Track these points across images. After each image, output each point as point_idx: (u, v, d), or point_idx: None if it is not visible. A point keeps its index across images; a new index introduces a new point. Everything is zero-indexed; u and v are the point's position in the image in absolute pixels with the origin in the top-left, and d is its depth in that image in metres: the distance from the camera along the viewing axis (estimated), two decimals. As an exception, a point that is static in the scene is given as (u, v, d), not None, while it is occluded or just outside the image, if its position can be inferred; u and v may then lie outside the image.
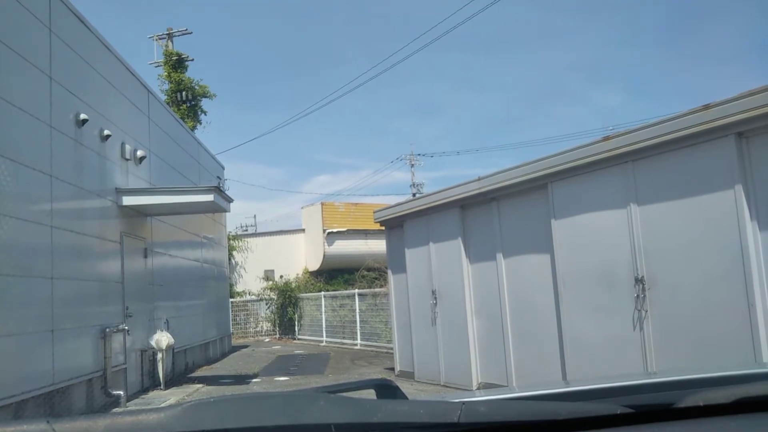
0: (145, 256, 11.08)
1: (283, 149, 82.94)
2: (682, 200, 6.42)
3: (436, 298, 10.24)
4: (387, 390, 1.33)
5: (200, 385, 11.16)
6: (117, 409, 8.94)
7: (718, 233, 6.06)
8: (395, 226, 11.56)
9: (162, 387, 10.71)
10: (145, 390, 10.64)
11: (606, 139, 7.19)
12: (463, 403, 1.08)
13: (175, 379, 11.67)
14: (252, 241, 29.09)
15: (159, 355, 10.78)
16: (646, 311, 6.76)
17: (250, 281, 26.67)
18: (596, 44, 74.00)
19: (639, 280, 6.82)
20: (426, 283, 10.48)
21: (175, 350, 12.00)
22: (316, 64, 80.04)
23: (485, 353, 9.35)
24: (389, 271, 11.98)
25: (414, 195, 45.27)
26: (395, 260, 11.62)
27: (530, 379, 8.47)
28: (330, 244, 27.61)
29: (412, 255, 10.92)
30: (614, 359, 7.11)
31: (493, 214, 9.14)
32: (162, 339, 10.70)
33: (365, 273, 22.04)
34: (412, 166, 48.11)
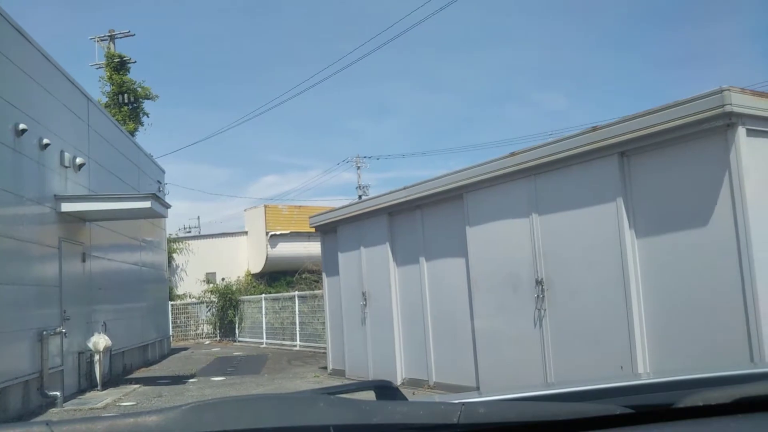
0: (84, 261, 11.34)
1: (233, 150, 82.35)
2: (574, 211, 7.22)
3: (365, 300, 10.87)
4: (387, 391, 1.36)
5: (137, 386, 11.48)
6: (53, 409, 9.23)
7: (603, 240, 6.87)
8: (329, 231, 12.15)
9: (99, 388, 10.99)
10: (82, 391, 10.90)
11: (512, 155, 7.96)
12: (463, 404, 1.09)
13: (112, 381, 11.94)
14: (194, 244, 29.14)
15: (96, 357, 11.05)
16: (545, 310, 7.54)
17: (191, 284, 26.76)
18: (545, 47, 76.22)
19: (539, 282, 7.60)
20: (357, 285, 11.10)
21: (113, 352, 12.27)
22: (269, 65, 79.89)
23: (409, 350, 10.03)
24: (324, 274, 12.56)
25: (360, 197, 45.88)
26: (329, 264, 12.20)
27: (448, 374, 9.17)
28: (273, 246, 27.94)
29: (344, 259, 11.52)
30: (519, 354, 7.88)
31: (417, 221, 9.83)
32: (99, 341, 10.99)
33: (307, 275, 22.52)
34: (359, 168, 48.74)
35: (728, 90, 5.70)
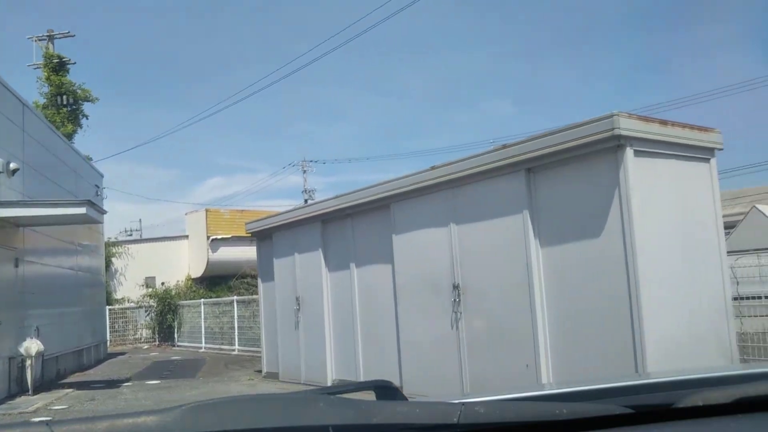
0: (16, 266, 11.34)
1: (180, 151, 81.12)
2: (487, 221, 7.80)
3: (299, 305, 11.24)
4: (387, 391, 1.36)
5: (70, 390, 11.54)
6: None
7: (512, 249, 7.46)
8: (265, 237, 12.47)
9: (30, 393, 11.01)
10: (12, 396, 10.91)
11: (433, 168, 8.50)
12: (463, 404, 1.09)
13: (45, 385, 11.95)
14: (134, 248, 28.82)
15: (28, 362, 11.07)
16: (461, 313, 8.09)
17: (130, 288, 26.50)
18: (492, 54, 77.93)
19: (456, 287, 8.14)
20: (291, 290, 11.46)
21: (46, 357, 12.26)
22: (219, 66, 79.07)
23: (339, 353, 10.45)
24: (259, 280, 12.88)
25: (306, 201, 46.07)
26: (265, 269, 12.52)
27: (375, 374, 9.62)
28: (214, 250, 27.90)
29: (279, 264, 11.87)
30: (438, 354, 8.40)
31: (348, 229, 10.28)
32: (31, 346, 11.02)
33: (246, 280, 22.67)
34: (305, 172, 48.93)
35: (617, 115, 6.35)
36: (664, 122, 6.79)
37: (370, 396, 1.28)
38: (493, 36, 78.25)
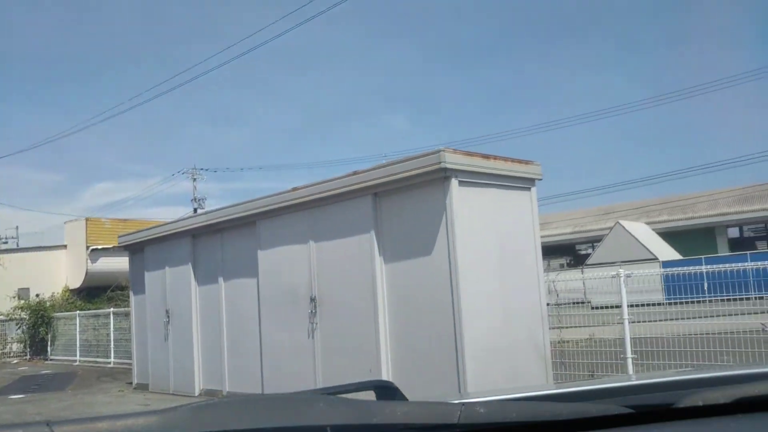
0: None
1: (71, 154, 77.25)
2: (341, 239, 8.57)
3: (169, 317, 11.57)
4: (387, 391, 1.38)
5: (-74, 406, 11.24)
6: None
7: (360, 265, 8.27)
8: (137, 250, 12.69)
9: None
10: None
11: (294, 189, 9.19)
12: (463, 404, 1.10)
13: None
14: (6, 258, 27.58)
15: None
16: (317, 323, 8.81)
17: (1, 300, 25.36)
18: (390, 69, 79.78)
19: (313, 299, 8.86)
20: (161, 303, 11.77)
21: None
22: (113, 69, 76.04)
23: (207, 363, 10.89)
24: (131, 292, 13.05)
25: (195, 210, 45.40)
26: (137, 282, 12.73)
27: (239, 383, 10.16)
28: (94, 261, 27.22)
29: (150, 277, 12.13)
30: (296, 362, 9.06)
31: (218, 244, 10.77)
32: None
33: (126, 291, 22.36)
34: (194, 180, 48.21)
35: (444, 151, 7.31)
36: (486, 156, 7.84)
37: (370, 396, 1.29)
38: (393, 50, 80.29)
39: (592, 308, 12.20)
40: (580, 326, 10.65)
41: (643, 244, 31.56)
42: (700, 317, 9.22)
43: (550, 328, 8.66)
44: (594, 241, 39.10)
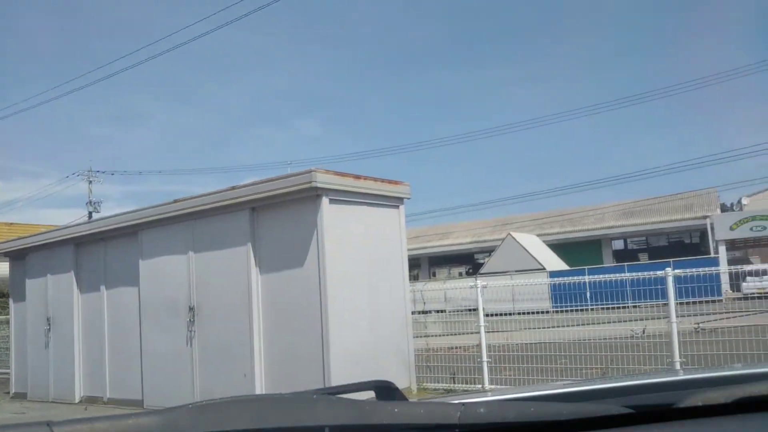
0: None
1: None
2: (219, 251, 8.96)
3: (50, 324, 11.50)
4: (387, 391, 1.39)
5: None
6: None
7: (237, 275, 8.68)
8: (18, 257, 12.50)
9: None
10: None
11: (176, 201, 9.49)
12: (463, 404, 1.10)
13: None
14: None
15: None
16: (195, 331, 9.14)
17: None
18: (306, 75, 79.81)
19: (192, 308, 9.18)
20: (42, 310, 11.67)
21: None
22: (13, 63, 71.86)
23: (88, 370, 10.93)
24: (11, 300, 12.81)
25: (90, 214, 43.87)
26: (17, 289, 12.53)
27: (120, 389, 10.29)
28: (-24, 266, 25.94)
29: (32, 285, 12.00)
30: (175, 368, 9.34)
31: (101, 253, 10.85)
32: None
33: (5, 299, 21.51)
34: (90, 182, 46.59)
35: (315, 171, 7.87)
36: (357, 177, 8.47)
37: (370, 396, 1.30)
38: (310, 57, 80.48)
39: (486, 315, 13.03)
40: (471, 332, 11.16)
41: (532, 255, 33.36)
42: (574, 325, 9.91)
43: (444, 334, 9.38)
44: (491, 251, 40.85)
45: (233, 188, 8.76)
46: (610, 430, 1.11)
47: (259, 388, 8.34)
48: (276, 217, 8.46)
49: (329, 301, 7.81)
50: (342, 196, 8.22)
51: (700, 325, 10.87)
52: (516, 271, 30.03)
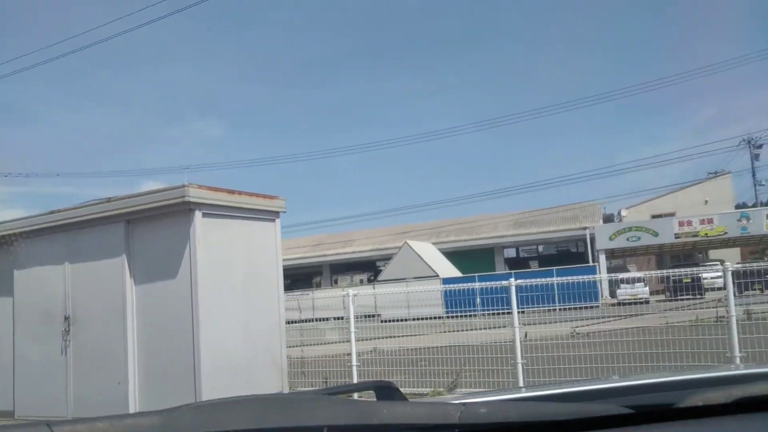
0: None
1: None
2: (95, 262, 9.16)
3: None
4: (387, 391, 1.39)
5: None
6: None
7: (113, 286, 8.92)
8: None
9: None
10: None
11: (53, 212, 9.61)
12: (464, 404, 1.12)
13: None
14: None
15: None
16: (69, 341, 9.28)
17: None
18: (214, 77, 78.37)
19: (67, 318, 9.32)
20: None
21: None
22: None
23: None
24: None
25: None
26: None
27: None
28: None
29: None
30: (49, 378, 9.42)
31: (-26, 262, 10.70)
32: None
33: None
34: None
35: (188, 186, 8.28)
36: (232, 192, 8.94)
37: (370, 396, 1.30)
38: (218, 59, 79.14)
39: (382, 321, 13.65)
40: (367, 339, 11.68)
41: (426, 263, 34.64)
42: (466, 329, 10.59)
43: (344, 342, 9.93)
44: (391, 258, 41.93)
45: (109, 200, 9.01)
46: (610, 430, 1.12)
47: (132, 395, 8.63)
48: (150, 229, 8.78)
49: (201, 312, 8.23)
50: (216, 210, 8.66)
51: (576, 329, 12.01)
52: (414, 278, 31.14)
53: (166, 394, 8.30)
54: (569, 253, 49.06)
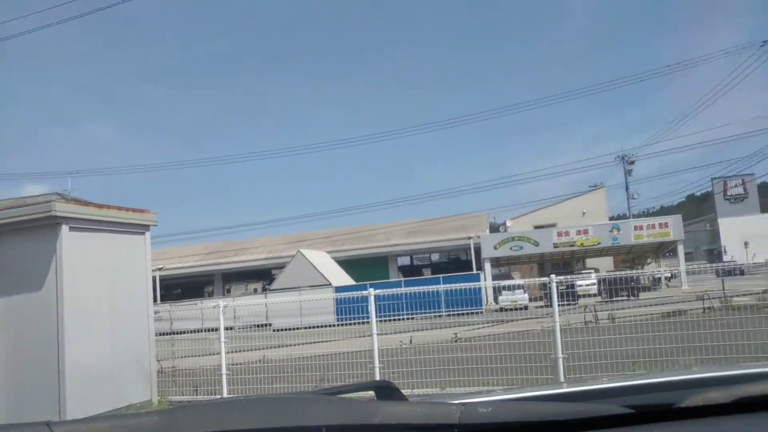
0: None
1: None
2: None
3: None
4: (387, 391, 1.39)
5: None
6: None
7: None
8: None
9: None
10: None
11: None
12: (464, 404, 1.12)
13: None
14: None
15: None
16: (-73, 355, 9.15)
17: None
18: (106, 78, 75.16)
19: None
20: None
21: None
22: None
23: None
24: None
25: None
26: None
27: None
28: None
29: None
30: None
31: None
32: None
33: None
34: None
35: (55, 201, 8.50)
36: (100, 206, 9.18)
37: (370, 396, 1.32)
38: (112, 60, 76.13)
39: (274, 330, 13.92)
40: (255, 349, 11.88)
41: (319, 271, 35.12)
42: (357, 337, 10.95)
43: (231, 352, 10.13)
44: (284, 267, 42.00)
45: (-28, 213, 9.00)
46: (610, 430, 1.12)
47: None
48: (17, 242, 8.86)
49: (66, 324, 8.40)
50: (84, 225, 8.87)
51: (458, 335, 12.82)
52: (309, 286, 31.54)
53: (29, 406, 8.41)
54: (460, 261, 51.02)
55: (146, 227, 9.96)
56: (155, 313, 14.45)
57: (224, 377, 10.28)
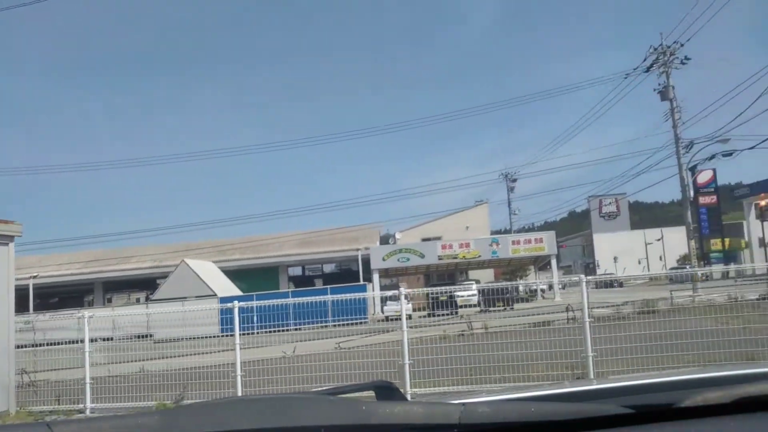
0: None
1: None
2: None
3: None
4: (387, 391, 1.38)
5: None
6: None
7: None
8: None
9: None
10: None
11: None
12: (464, 404, 1.12)
13: None
14: None
15: None
16: None
17: None
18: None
19: None
20: None
21: None
22: None
23: None
24: None
25: None
26: None
27: None
28: None
29: None
30: None
31: None
32: None
33: None
34: None
35: None
36: (-42, 216, 9.00)
37: (370, 396, 1.33)
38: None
39: (155, 342, 13.61)
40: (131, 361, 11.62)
41: (204, 281, 34.51)
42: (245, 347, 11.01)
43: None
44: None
45: None
46: (610, 430, 1.13)
47: None
48: None
49: None
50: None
51: (340, 344, 13.08)
52: (196, 297, 30.99)
53: None
54: (351, 272, 51.69)
55: (10, 238, 9.82)
56: (26, 323, 14.08)
57: (88, 386, 10.22)
